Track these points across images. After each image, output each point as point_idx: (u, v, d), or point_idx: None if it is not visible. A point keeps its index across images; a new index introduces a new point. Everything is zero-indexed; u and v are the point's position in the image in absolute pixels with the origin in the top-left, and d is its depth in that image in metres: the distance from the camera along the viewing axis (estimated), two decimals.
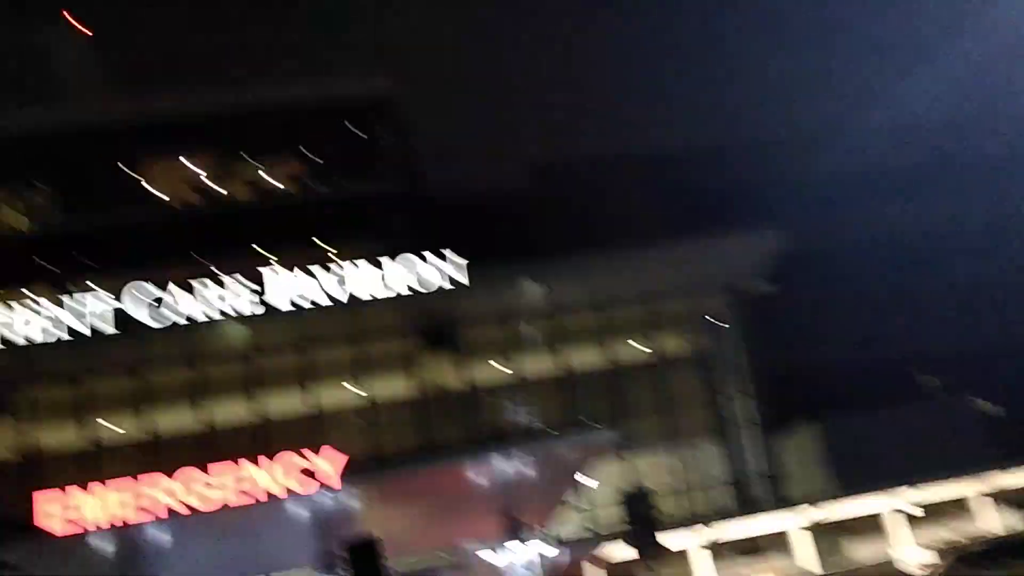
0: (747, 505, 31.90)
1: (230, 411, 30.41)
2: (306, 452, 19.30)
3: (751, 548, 31.15)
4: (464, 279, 29.62)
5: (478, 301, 30.70)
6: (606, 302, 32.71)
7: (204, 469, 19.27)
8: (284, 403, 30.60)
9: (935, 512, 30.96)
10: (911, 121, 40.65)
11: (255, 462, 19.31)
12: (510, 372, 32.13)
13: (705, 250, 32.53)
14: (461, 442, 26.85)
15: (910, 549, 28.56)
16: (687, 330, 33.87)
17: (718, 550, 30.20)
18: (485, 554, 23.54)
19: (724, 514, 30.84)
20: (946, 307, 38.96)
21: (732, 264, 32.73)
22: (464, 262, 29.82)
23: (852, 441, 32.84)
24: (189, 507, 18.63)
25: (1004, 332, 38.96)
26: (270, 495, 18.63)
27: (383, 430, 30.33)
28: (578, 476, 22.42)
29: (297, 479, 18.77)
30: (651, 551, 20.71)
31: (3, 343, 28.39)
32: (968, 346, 39.68)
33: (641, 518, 20.79)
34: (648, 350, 33.49)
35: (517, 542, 21.59)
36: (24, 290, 30.18)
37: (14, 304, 28.80)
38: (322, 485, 18.61)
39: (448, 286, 29.54)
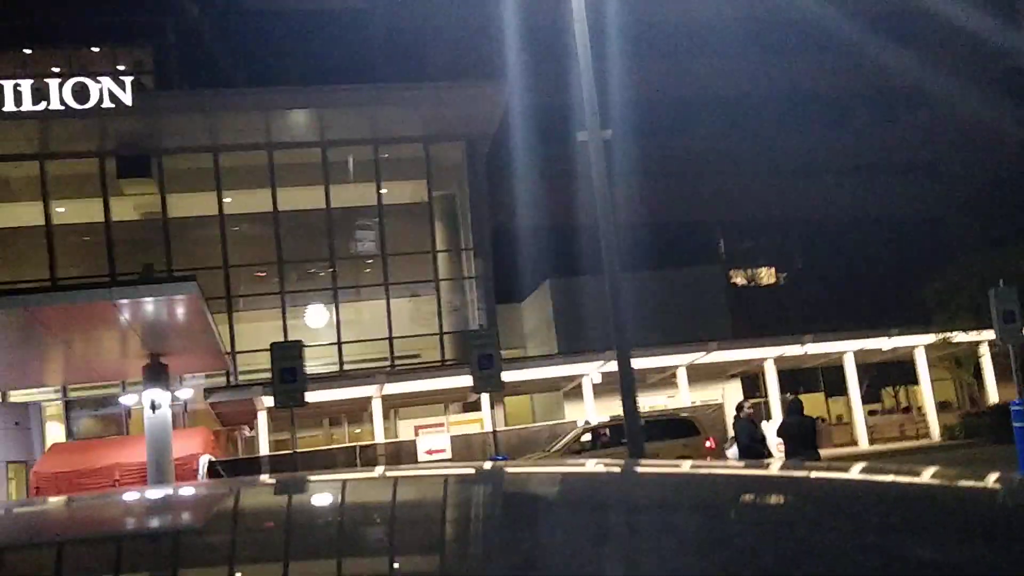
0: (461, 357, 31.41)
1: None
2: None
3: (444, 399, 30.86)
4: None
5: (184, 126, 28.39)
6: (334, 139, 30.76)
7: None
8: None
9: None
10: None
11: None
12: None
13: (445, 94, 30.66)
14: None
15: (589, 416, 28.61)
16: (421, 177, 32.28)
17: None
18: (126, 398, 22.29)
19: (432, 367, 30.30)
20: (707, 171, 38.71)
21: (473, 112, 31.01)
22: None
23: (578, 305, 32.66)
24: None
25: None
26: None
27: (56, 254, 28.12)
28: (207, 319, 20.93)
29: None
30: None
31: None
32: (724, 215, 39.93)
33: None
34: (380, 192, 31.89)
35: (157, 384, 20.32)
36: None
37: None
38: None
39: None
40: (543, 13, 29.85)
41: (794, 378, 36.65)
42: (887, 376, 37.34)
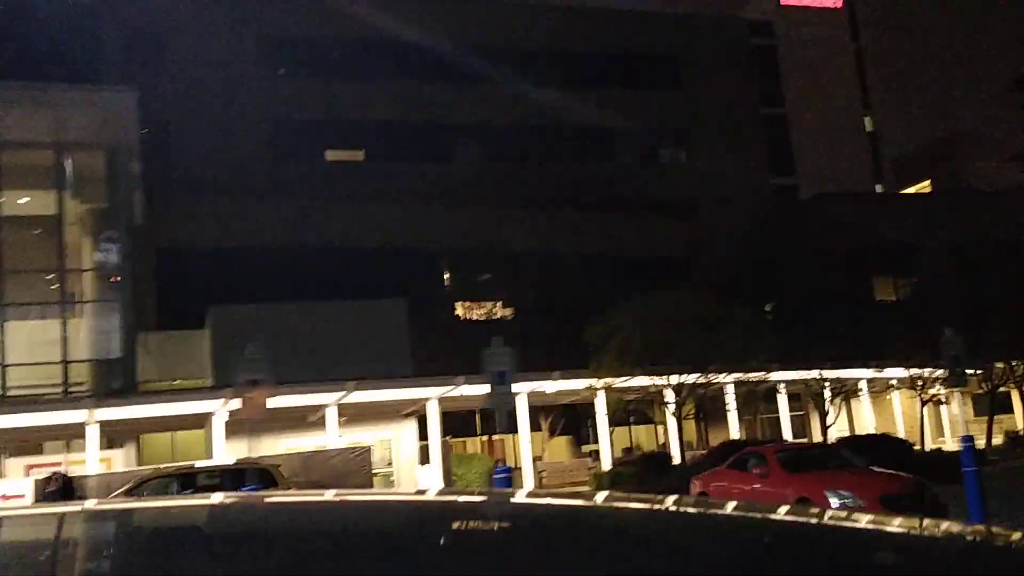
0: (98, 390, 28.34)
1: None
2: None
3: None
4: None
5: None
6: None
7: None
8: None
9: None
10: None
11: None
12: None
13: (75, 97, 27.82)
14: None
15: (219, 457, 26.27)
16: (54, 187, 29.11)
17: None
18: None
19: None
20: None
21: (110, 119, 28.23)
22: None
23: (238, 334, 30.26)
24: None
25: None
26: None
27: None
28: None
29: None
30: None
31: None
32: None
33: None
34: None
35: None
36: None
37: None
38: None
39: None
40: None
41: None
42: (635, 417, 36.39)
